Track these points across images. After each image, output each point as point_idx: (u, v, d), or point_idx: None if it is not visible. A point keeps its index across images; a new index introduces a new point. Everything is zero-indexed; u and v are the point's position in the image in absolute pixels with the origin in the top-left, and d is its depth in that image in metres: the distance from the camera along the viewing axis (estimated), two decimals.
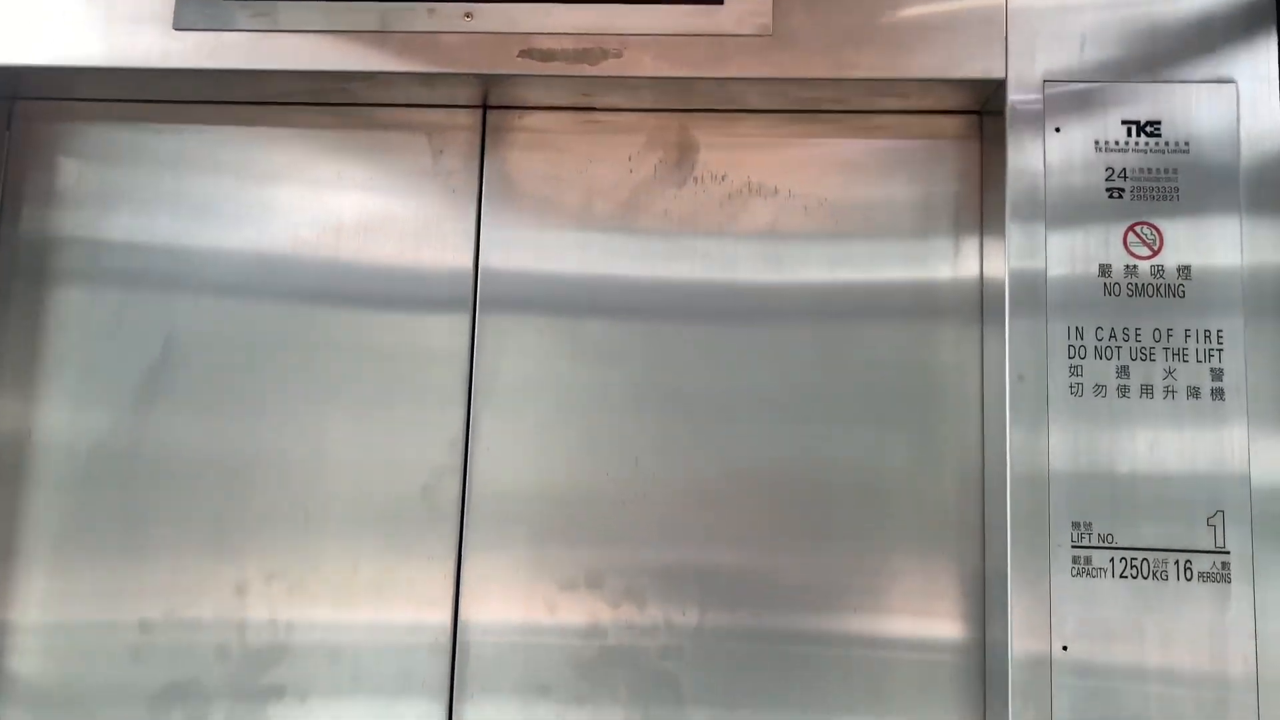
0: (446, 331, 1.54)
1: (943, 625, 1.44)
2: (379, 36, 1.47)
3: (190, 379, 1.55)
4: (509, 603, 1.49)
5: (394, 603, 1.49)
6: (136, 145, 1.60)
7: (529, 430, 1.51)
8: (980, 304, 1.48)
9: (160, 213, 1.58)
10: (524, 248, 1.55)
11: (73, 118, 1.61)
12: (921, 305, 1.50)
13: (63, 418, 1.55)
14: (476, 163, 1.58)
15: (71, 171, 1.60)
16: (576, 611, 1.48)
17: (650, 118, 1.57)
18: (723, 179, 1.55)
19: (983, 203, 1.50)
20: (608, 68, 1.45)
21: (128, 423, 1.54)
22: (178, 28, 1.49)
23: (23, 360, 1.56)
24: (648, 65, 1.45)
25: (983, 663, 1.42)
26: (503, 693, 1.47)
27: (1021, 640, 1.30)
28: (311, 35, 1.48)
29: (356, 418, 1.53)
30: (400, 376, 1.53)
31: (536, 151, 1.57)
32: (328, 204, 1.58)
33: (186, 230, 1.57)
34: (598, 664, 1.47)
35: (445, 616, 1.48)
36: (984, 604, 1.43)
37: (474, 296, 1.54)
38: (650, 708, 1.46)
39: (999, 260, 1.40)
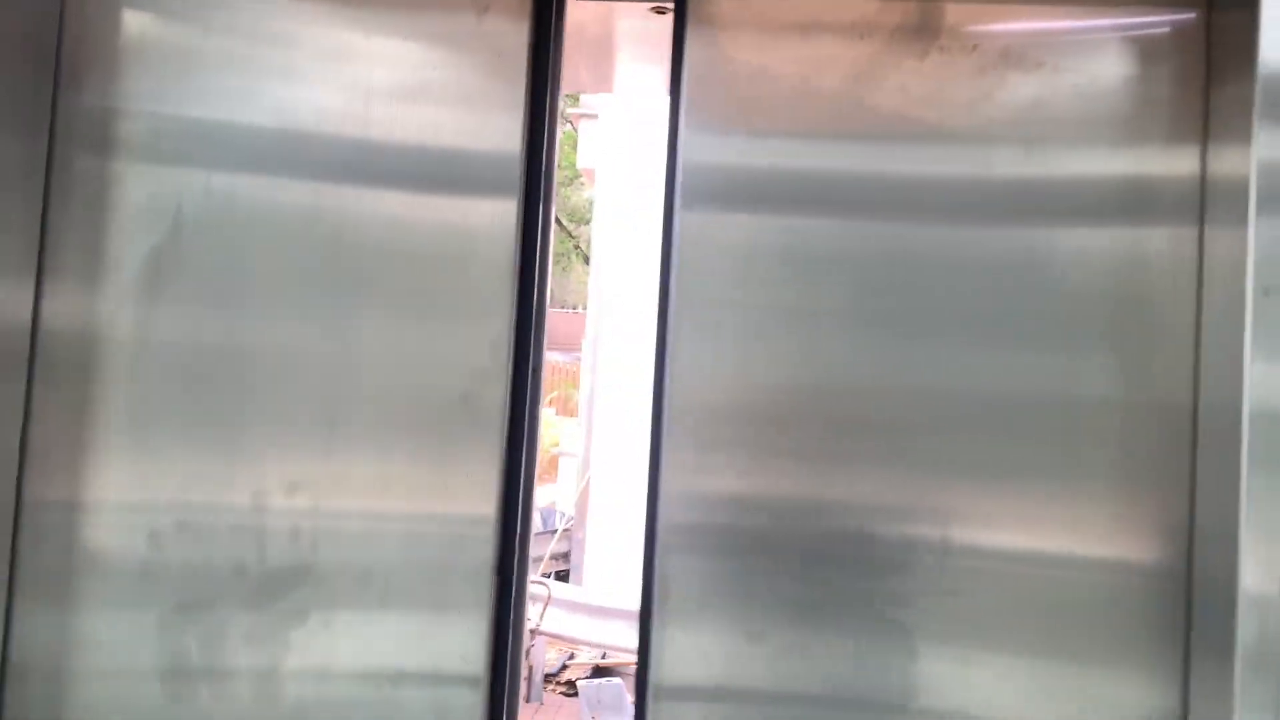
0: (490, 218, 1.34)
1: (1139, 574, 1.29)
2: None
3: (201, 263, 1.37)
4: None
5: (431, 518, 1.34)
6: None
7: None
8: (1200, 210, 1.27)
9: (169, 81, 1.38)
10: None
11: None
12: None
13: (64, 303, 1.37)
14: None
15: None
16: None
17: None
18: (974, 49, 1.32)
19: (1208, 93, 1.27)
20: None
21: (131, 309, 1.37)
22: None
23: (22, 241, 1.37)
24: None
25: (1188, 622, 1.26)
26: None
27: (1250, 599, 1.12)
28: None
29: (390, 315, 1.35)
30: (441, 270, 1.35)
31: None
32: (356, 70, 1.37)
33: (202, 99, 1.37)
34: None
35: (489, 533, 1.33)
36: (1190, 552, 1.26)
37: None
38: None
39: (1237, 157, 1.18)
